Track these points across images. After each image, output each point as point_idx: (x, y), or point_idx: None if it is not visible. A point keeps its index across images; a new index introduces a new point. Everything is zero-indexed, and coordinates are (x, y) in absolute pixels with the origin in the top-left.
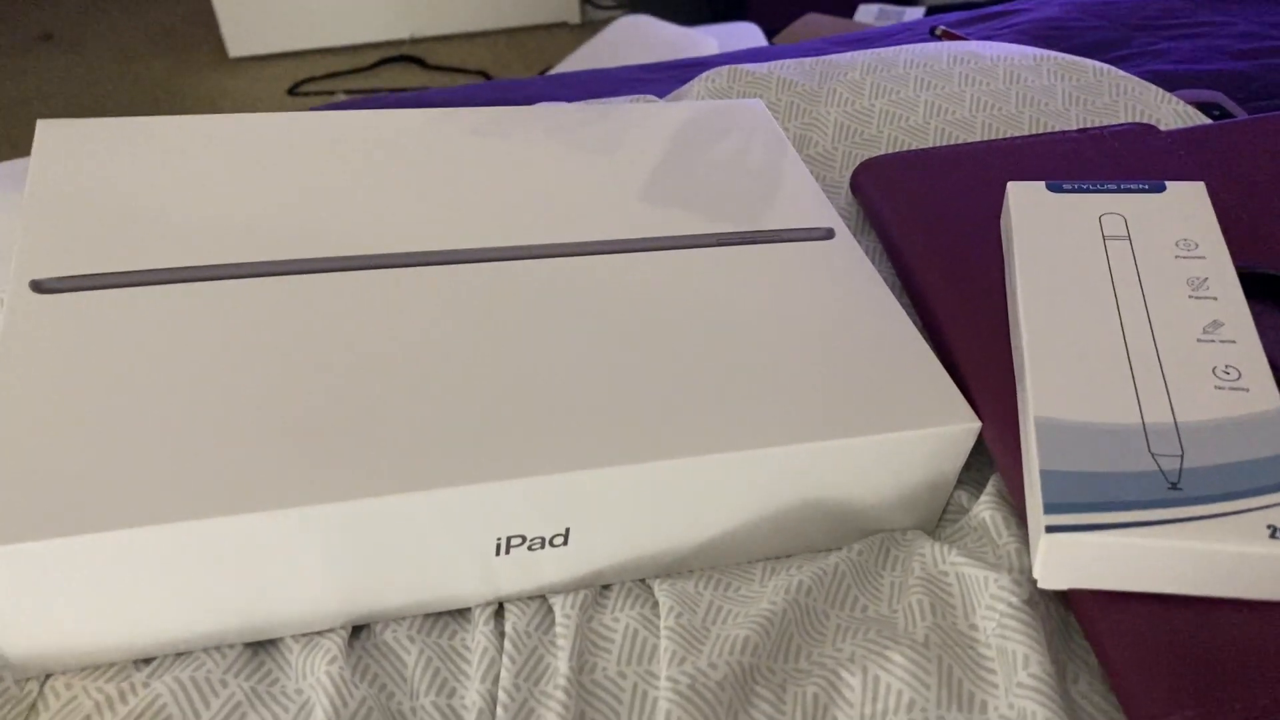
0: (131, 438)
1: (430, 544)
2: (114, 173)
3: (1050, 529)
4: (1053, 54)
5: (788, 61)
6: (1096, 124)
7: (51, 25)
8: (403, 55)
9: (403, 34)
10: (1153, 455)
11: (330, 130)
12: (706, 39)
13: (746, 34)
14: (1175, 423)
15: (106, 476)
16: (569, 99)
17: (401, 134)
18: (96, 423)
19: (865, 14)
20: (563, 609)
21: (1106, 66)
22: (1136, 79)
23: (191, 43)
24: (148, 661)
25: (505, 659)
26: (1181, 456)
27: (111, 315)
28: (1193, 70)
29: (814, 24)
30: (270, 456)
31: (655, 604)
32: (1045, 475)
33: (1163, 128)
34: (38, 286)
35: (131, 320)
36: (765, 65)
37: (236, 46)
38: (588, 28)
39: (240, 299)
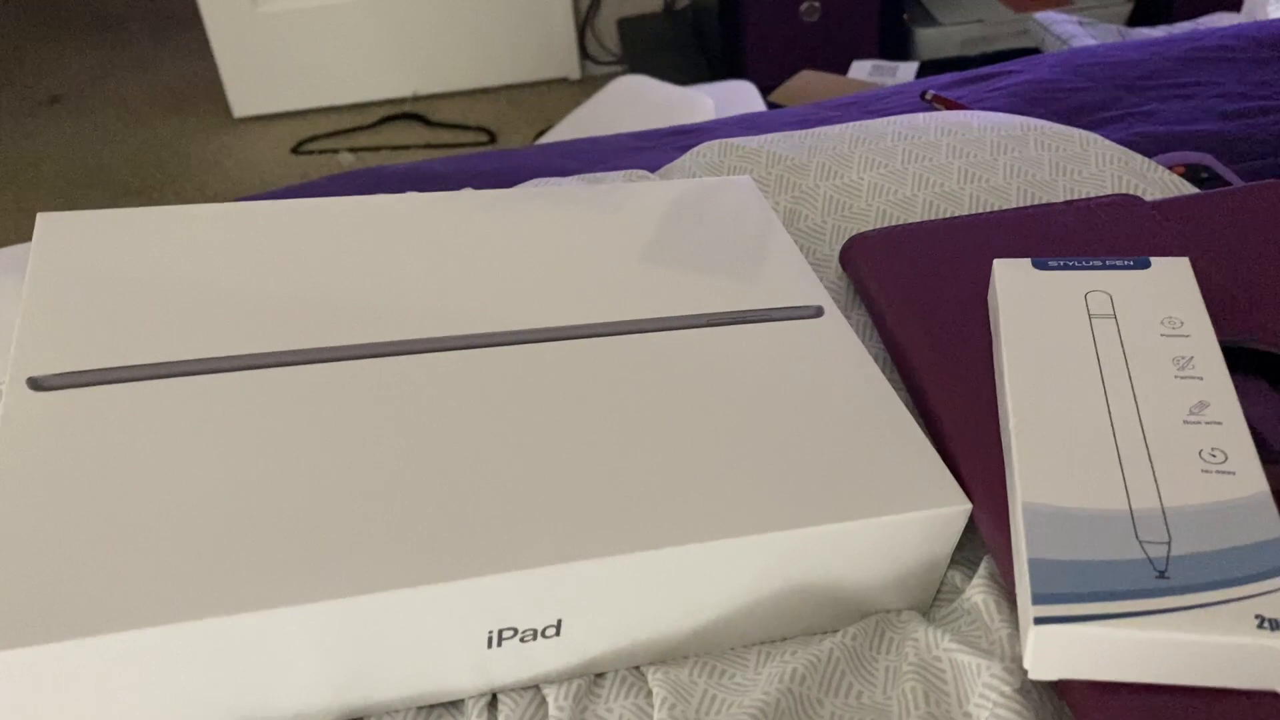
0: (124, 539)
1: (422, 638)
2: (114, 265)
3: (1039, 620)
4: (1040, 123)
5: (777, 135)
6: (1083, 194)
7: (59, 88)
8: (405, 113)
9: (405, 92)
10: (1140, 542)
11: (326, 218)
12: (703, 98)
13: (742, 92)
14: (1163, 508)
15: (98, 579)
16: (566, 169)
17: (397, 220)
18: (89, 524)
19: (859, 70)
20: (556, 700)
21: (1093, 136)
22: (1123, 149)
23: (196, 104)
24: None
25: None
26: (1169, 544)
27: (107, 412)
28: (1181, 131)
29: (809, 81)
30: (262, 555)
31: (649, 693)
32: (1034, 564)
33: (1148, 197)
34: (35, 384)
35: (127, 417)
36: (756, 139)
37: (241, 106)
38: (587, 83)
39: (233, 393)
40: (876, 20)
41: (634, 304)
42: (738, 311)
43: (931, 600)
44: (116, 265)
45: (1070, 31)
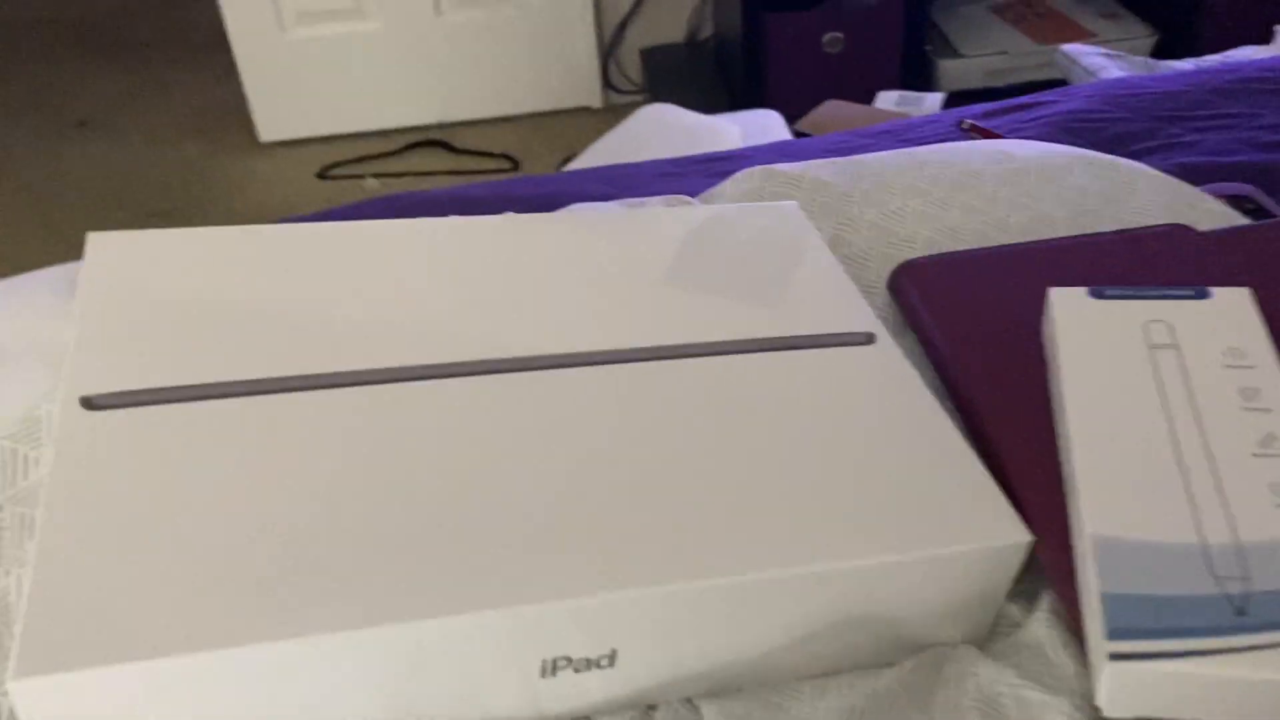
0: (174, 562)
1: (474, 666)
2: (165, 285)
3: (1115, 656)
4: (1085, 152)
5: (819, 161)
6: (1131, 223)
7: (87, 112)
8: (430, 140)
9: (430, 119)
10: (1216, 578)
11: (376, 241)
12: (729, 127)
13: (768, 121)
14: (1238, 543)
15: (150, 604)
16: (602, 195)
17: (441, 242)
18: (141, 547)
19: (885, 101)
20: None
21: (1140, 166)
22: (1170, 179)
23: (223, 128)
24: None
25: None
26: (1247, 579)
27: (160, 432)
28: (1222, 162)
29: (835, 111)
30: (313, 580)
31: None
32: (1107, 599)
33: (1198, 227)
34: (88, 403)
35: (179, 437)
36: (798, 165)
37: (267, 131)
38: (610, 112)
39: (284, 414)
40: (899, 51)
41: (682, 328)
42: (787, 337)
43: (987, 633)
44: (168, 285)
45: (1098, 64)
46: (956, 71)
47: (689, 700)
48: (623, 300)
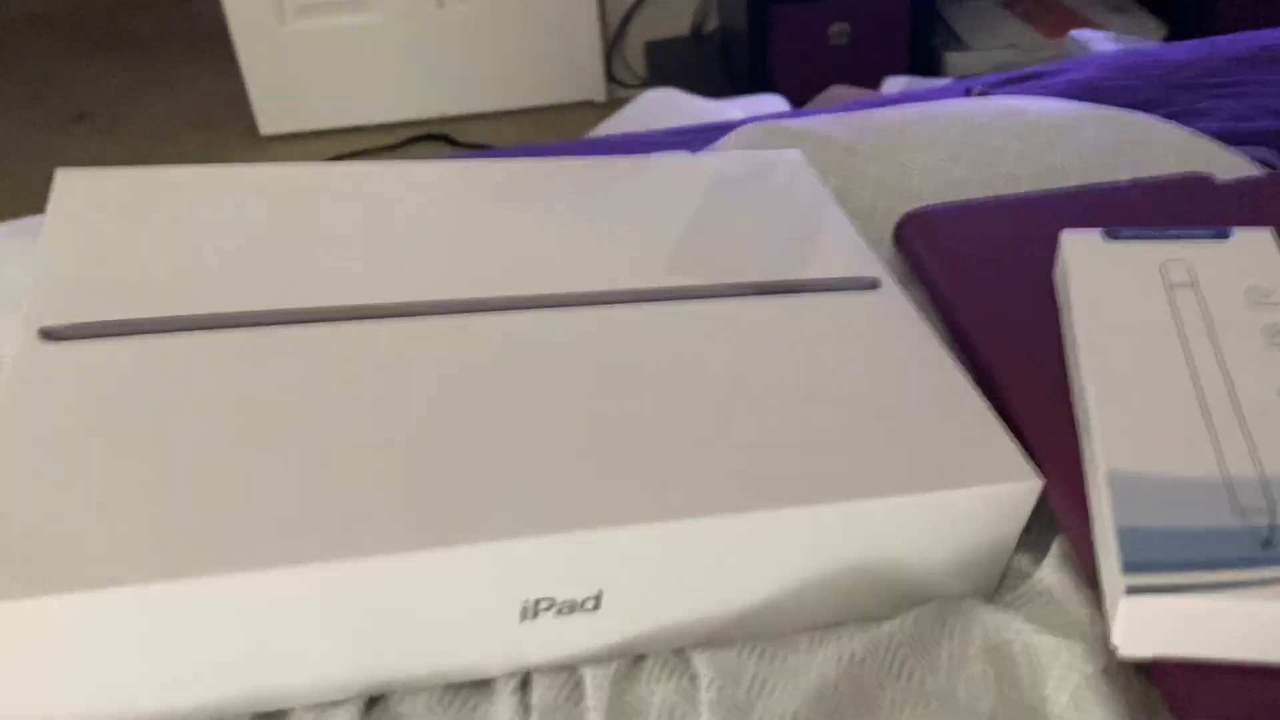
0: (135, 490)
1: (452, 607)
2: (131, 221)
3: (1131, 590)
4: (1099, 107)
5: (824, 116)
6: (1146, 175)
7: (86, 105)
8: (431, 134)
9: (432, 112)
10: (1240, 511)
11: (355, 181)
12: (732, 110)
13: (771, 106)
14: (1263, 476)
15: (107, 531)
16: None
17: (429, 185)
18: (97, 476)
19: (892, 86)
20: (593, 680)
21: (1153, 119)
22: (1187, 131)
23: (223, 121)
24: None
25: None
26: (1274, 512)
27: (120, 365)
28: (1239, 129)
29: (840, 96)
30: (280, 511)
31: (694, 676)
32: (1123, 532)
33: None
34: (47, 334)
35: (141, 369)
36: (801, 120)
37: (268, 125)
38: (613, 106)
39: (254, 348)
40: (906, 44)
41: (684, 271)
42: (791, 281)
43: (996, 586)
44: (134, 221)
45: (1107, 48)
46: (964, 64)
47: (679, 651)
48: (624, 243)
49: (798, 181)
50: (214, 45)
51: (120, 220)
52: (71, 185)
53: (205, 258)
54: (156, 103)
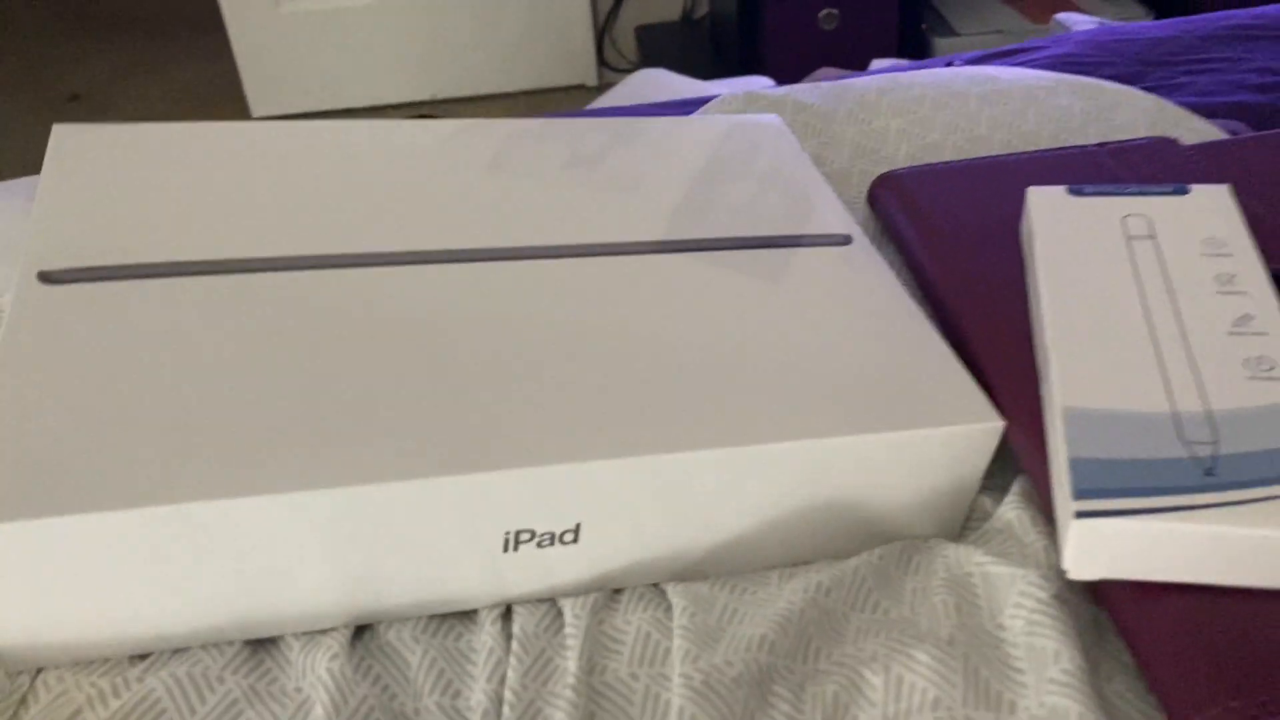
0: (131, 423)
1: (436, 536)
2: (126, 173)
3: (1080, 514)
4: (1071, 76)
5: (802, 85)
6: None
7: (79, 86)
8: (423, 115)
9: (423, 95)
10: (1185, 442)
11: (347, 136)
12: (722, 90)
13: (760, 87)
14: (1208, 410)
15: (104, 460)
16: None
17: (421, 142)
18: (97, 408)
19: (879, 69)
20: (572, 610)
21: (1124, 87)
22: (1155, 98)
23: (215, 103)
24: (144, 657)
25: (512, 659)
26: (1216, 444)
27: (117, 306)
28: (1212, 102)
29: (828, 78)
30: (271, 443)
31: (668, 607)
32: (1074, 463)
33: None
34: (45, 277)
35: (137, 311)
36: (780, 89)
37: (259, 106)
38: (604, 90)
39: (247, 292)
40: (895, 29)
41: (663, 225)
42: (766, 236)
43: (960, 527)
44: (129, 172)
45: (1092, 32)
46: (952, 49)
47: (655, 585)
48: (606, 198)
49: (776, 144)
50: (207, 27)
51: (115, 172)
52: (68, 139)
53: (196, 207)
54: (149, 85)
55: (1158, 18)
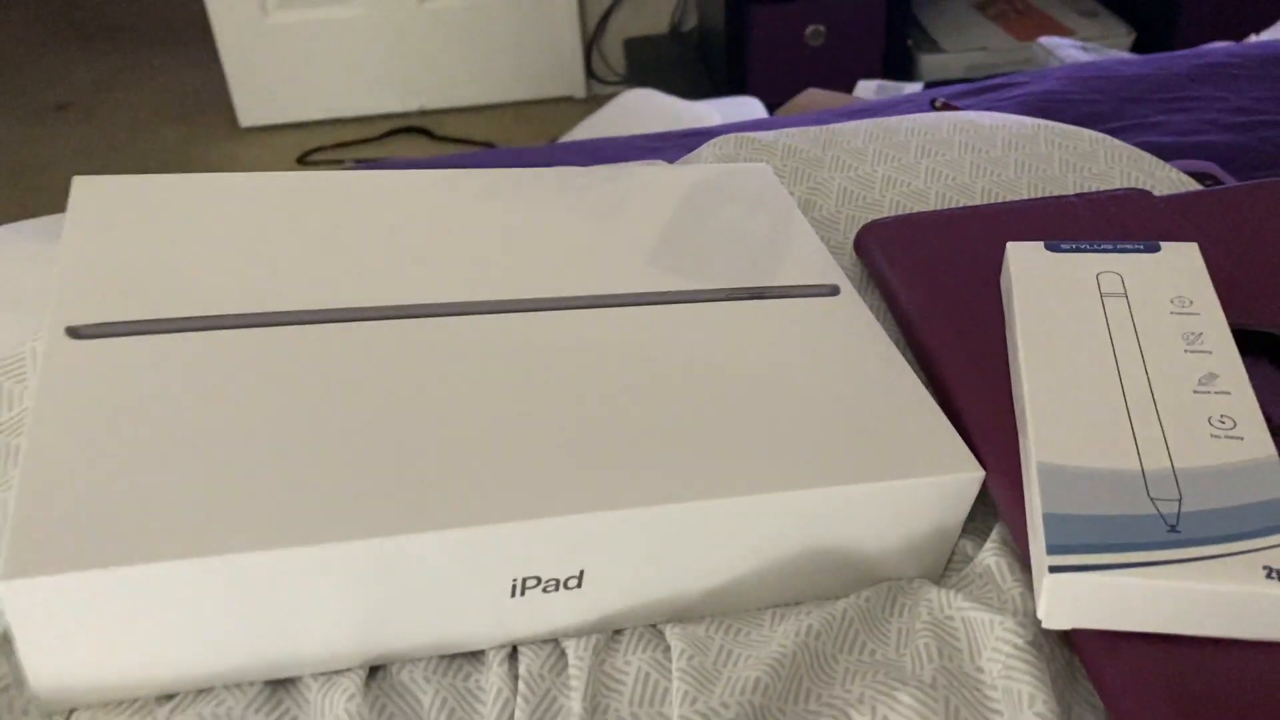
0: (159, 477)
1: (448, 584)
2: (147, 225)
3: (1054, 569)
4: (1050, 123)
5: (792, 130)
6: (1092, 189)
7: (67, 95)
8: (411, 127)
9: (411, 106)
10: (1152, 499)
11: (356, 188)
12: (709, 111)
13: (748, 107)
14: (1173, 468)
15: (133, 514)
16: (579, 165)
17: (418, 192)
18: (125, 462)
19: (864, 90)
20: (575, 651)
21: (1102, 135)
22: (1131, 147)
23: (203, 112)
24: (170, 698)
25: (519, 699)
26: (1180, 500)
27: (144, 360)
28: (1187, 142)
29: (814, 98)
30: (293, 496)
31: (667, 648)
32: (1048, 518)
33: (1157, 194)
34: (74, 332)
35: (164, 364)
36: (771, 133)
37: (247, 116)
38: (593, 102)
39: (266, 346)
40: (881, 45)
41: (655, 278)
42: (755, 287)
43: (943, 569)
44: (150, 225)
45: (1074, 56)
46: (937, 66)
47: (654, 626)
48: (598, 250)
49: (765, 193)
50: (194, 36)
51: (137, 224)
52: (88, 191)
53: (217, 260)
54: (137, 93)
55: (1139, 37)
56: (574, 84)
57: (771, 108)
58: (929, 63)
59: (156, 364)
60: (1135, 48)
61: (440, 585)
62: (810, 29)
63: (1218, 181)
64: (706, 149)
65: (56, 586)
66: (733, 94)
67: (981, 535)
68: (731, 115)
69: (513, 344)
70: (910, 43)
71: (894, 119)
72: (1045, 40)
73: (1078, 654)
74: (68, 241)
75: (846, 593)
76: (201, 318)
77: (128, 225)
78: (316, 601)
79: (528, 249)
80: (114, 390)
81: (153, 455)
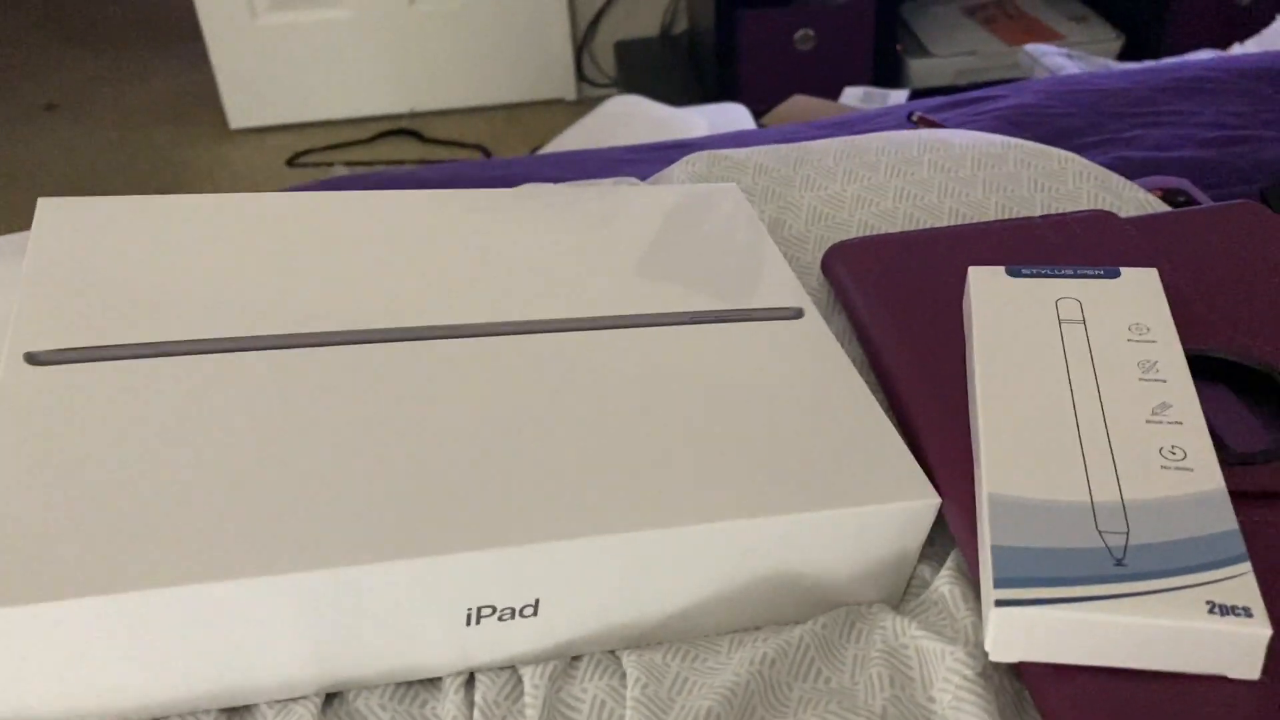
0: (114, 507)
1: (403, 613)
2: (112, 249)
3: (1000, 603)
4: (1020, 142)
5: (765, 148)
6: (1060, 210)
7: (55, 96)
8: (401, 129)
9: (401, 108)
10: (1100, 532)
11: (323, 210)
12: (696, 119)
13: (734, 114)
14: (1122, 501)
15: (87, 545)
16: (557, 179)
17: (390, 214)
18: (81, 491)
19: (850, 97)
20: (532, 679)
21: (1071, 155)
22: (1099, 167)
23: (193, 114)
24: None
25: None
26: (1127, 534)
27: (103, 386)
28: (1160, 157)
29: (800, 105)
30: (246, 527)
31: (624, 675)
32: (996, 550)
33: (1123, 214)
34: (32, 358)
35: (122, 391)
36: (743, 151)
37: (237, 118)
38: (583, 104)
39: (225, 373)
40: (870, 50)
41: (618, 300)
42: (720, 310)
43: (902, 594)
44: (114, 249)
45: (1059, 63)
46: (926, 70)
47: (611, 653)
48: (562, 272)
49: (733, 214)
50: (184, 38)
51: (100, 247)
52: (52, 214)
53: (180, 285)
54: (126, 94)
55: (1127, 41)
56: (564, 87)
57: (760, 112)
58: (918, 68)
59: (116, 391)
60: (1123, 53)
61: (395, 615)
62: (800, 33)
63: (1189, 198)
64: (679, 167)
65: (9, 618)
66: (722, 98)
67: (941, 560)
68: (718, 122)
69: (470, 370)
70: (899, 47)
71: (865, 137)
72: (1031, 48)
73: (1025, 685)
74: (30, 265)
75: (805, 618)
76: (163, 343)
77: (92, 248)
78: (271, 630)
79: (491, 273)
80: (71, 418)
81: (107, 485)
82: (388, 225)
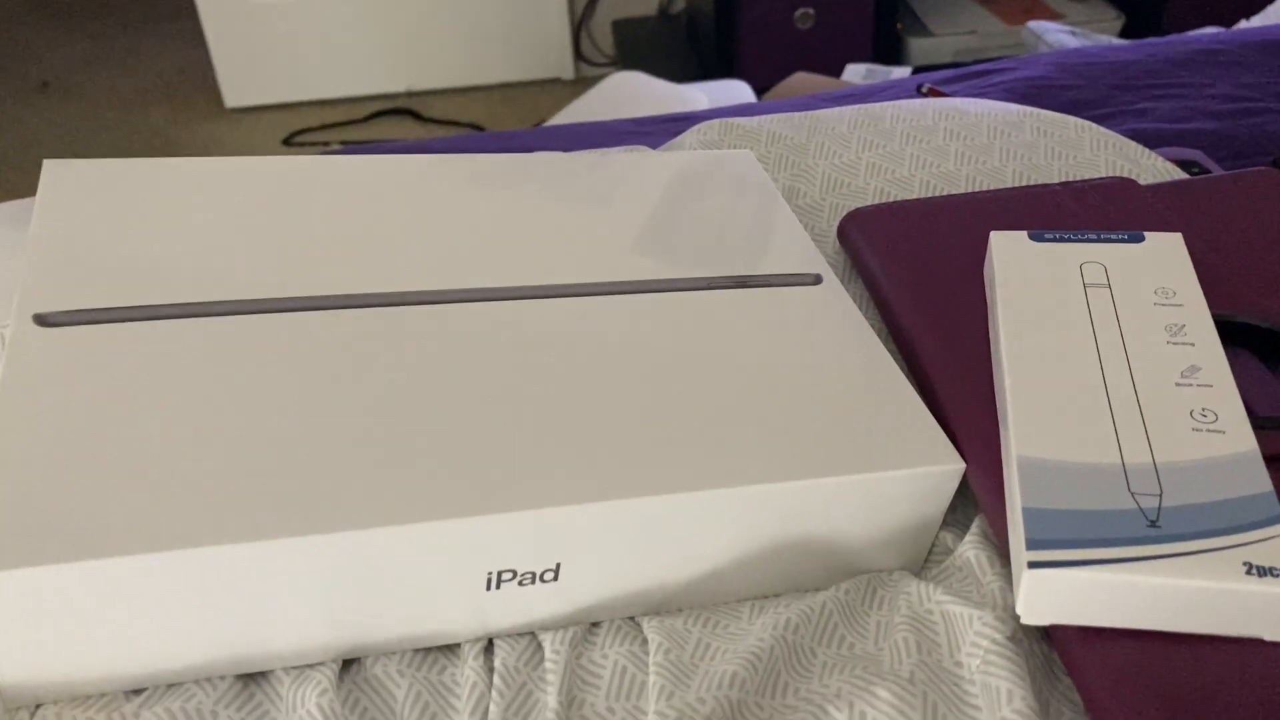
0: (128, 468)
1: (422, 577)
2: (118, 211)
3: (1033, 565)
4: (1036, 110)
5: (777, 115)
6: (1078, 177)
7: (50, 74)
8: (398, 108)
9: (398, 87)
10: (1132, 494)
11: (333, 174)
12: (697, 95)
13: (736, 91)
14: (1154, 463)
15: (102, 506)
16: (565, 150)
17: (401, 178)
18: (94, 453)
19: (853, 74)
20: (552, 645)
21: (1088, 123)
22: (1117, 135)
23: (189, 93)
24: (139, 692)
25: (494, 694)
26: (1160, 495)
27: (112, 348)
28: (1172, 129)
29: (802, 82)
30: (264, 488)
31: (644, 641)
32: (1028, 513)
33: (1141, 182)
34: (41, 320)
35: (132, 353)
36: (755, 119)
37: (233, 97)
38: (581, 84)
39: (238, 335)
40: (870, 29)
41: (638, 267)
42: (738, 276)
43: (923, 561)
44: (120, 211)
45: (1062, 40)
46: (926, 49)
47: (631, 619)
48: (581, 239)
49: (749, 181)
50: (180, 16)
51: (107, 210)
52: (58, 175)
53: (188, 246)
54: (121, 74)
55: (1127, 21)
56: (562, 65)
57: (760, 91)
58: (918, 46)
59: (125, 352)
60: (1124, 31)
61: (413, 579)
62: (799, 12)
63: (1203, 169)
64: (690, 135)
65: (22, 580)
66: (722, 77)
67: (963, 527)
68: (719, 99)
69: (489, 334)
70: (899, 26)
71: (879, 105)
72: (1034, 25)
73: (1056, 649)
74: (37, 227)
75: (826, 584)
76: (172, 305)
77: (99, 210)
78: (288, 595)
79: (507, 237)
80: (81, 379)
81: (120, 447)
82: (396, 189)
